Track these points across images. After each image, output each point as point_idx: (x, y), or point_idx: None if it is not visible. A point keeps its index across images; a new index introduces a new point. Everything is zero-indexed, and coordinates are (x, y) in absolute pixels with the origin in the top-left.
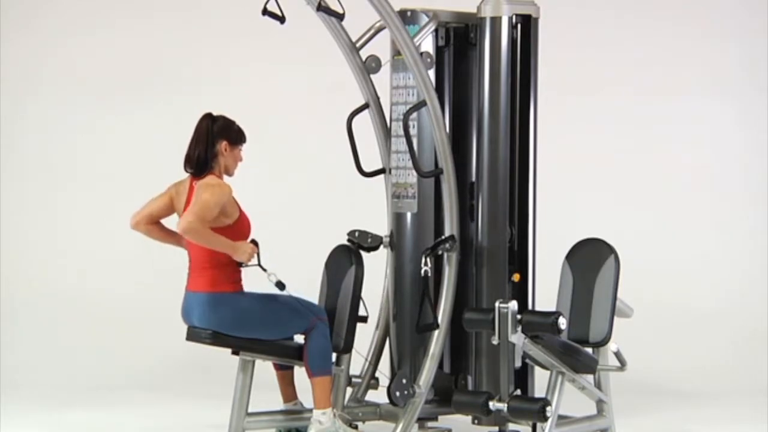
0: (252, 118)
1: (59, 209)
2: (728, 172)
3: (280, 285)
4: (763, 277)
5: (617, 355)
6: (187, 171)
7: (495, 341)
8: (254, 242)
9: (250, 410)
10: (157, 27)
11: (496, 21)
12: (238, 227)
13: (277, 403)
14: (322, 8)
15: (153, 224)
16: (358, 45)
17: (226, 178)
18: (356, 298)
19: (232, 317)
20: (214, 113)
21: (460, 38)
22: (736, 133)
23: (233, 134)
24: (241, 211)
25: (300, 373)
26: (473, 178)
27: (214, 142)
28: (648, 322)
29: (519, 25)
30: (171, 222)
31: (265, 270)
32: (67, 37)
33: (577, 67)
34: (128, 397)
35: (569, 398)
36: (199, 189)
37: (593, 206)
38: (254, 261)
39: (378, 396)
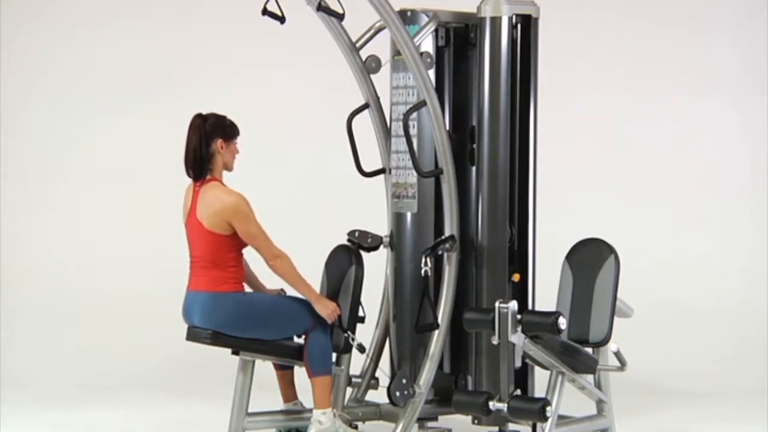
0: (252, 118)
1: (59, 209)
2: (728, 172)
3: (361, 348)
4: (763, 277)
5: (617, 355)
6: (189, 176)
7: (495, 341)
8: (338, 303)
9: (250, 410)
10: (157, 27)
11: (496, 21)
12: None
13: (277, 403)
14: (322, 8)
15: None
16: (358, 45)
17: (226, 173)
18: (356, 298)
19: (233, 317)
20: (204, 113)
21: (460, 38)
22: (735, 132)
23: (227, 130)
24: None
25: (300, 373)
26: (473, 123)
27: (208, 141)
28: (648, 322)
29: (519, 25)
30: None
31: (345, 332)
32: (67, 37)
33: (577, 67)
34: (128, 397)
35: (569, 398)
36: (235, 222)
37: (593, 206)
38: (335, 321)
39: (378, 396)
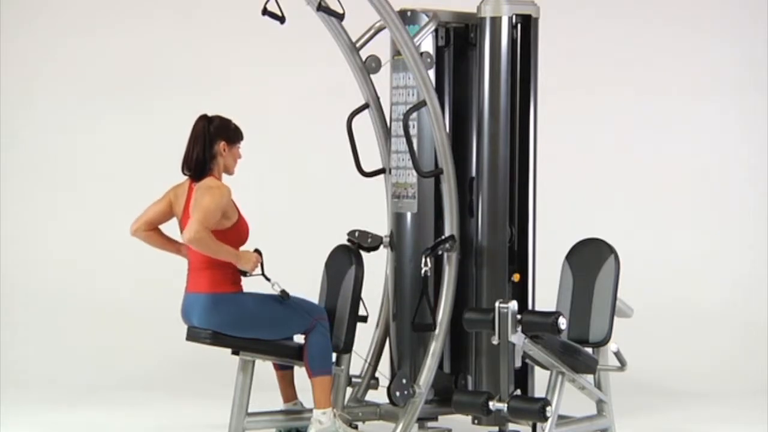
0: (252, 118)
1: (59, 209)
2: (728, 172)
3: (284, 294)
4: (763, 277)
5: (617, 355)
6: (185, 174)
7: (495, 341)
8: (258, 251)
9: (250, 410)
10: (157, 27)
11: (496, 21)
12: (236, 230)
13: (277, 403)
14: (322, 8)
15: (152, 231)
16: (358, 45)
17: (226, 177)
18: (356, 298)
19: (232, 318)
20: (209, 114)
21: (460, 38)
22: (736, 133)
23: (231, 133)
24: (239, 213)
25: (300, 373)
26: (473, 174)
27: (212, 143)
28: (648, 322)
29: (519, 25)
30: (169, 228)
31: (268, 279)
32: (67, 37)
33: (576, 66)
34: (128, 397)
35: (569, 398)
36: (198, 192)
37: (593, 206)
38: (258, 270)
39: (378, 396)
